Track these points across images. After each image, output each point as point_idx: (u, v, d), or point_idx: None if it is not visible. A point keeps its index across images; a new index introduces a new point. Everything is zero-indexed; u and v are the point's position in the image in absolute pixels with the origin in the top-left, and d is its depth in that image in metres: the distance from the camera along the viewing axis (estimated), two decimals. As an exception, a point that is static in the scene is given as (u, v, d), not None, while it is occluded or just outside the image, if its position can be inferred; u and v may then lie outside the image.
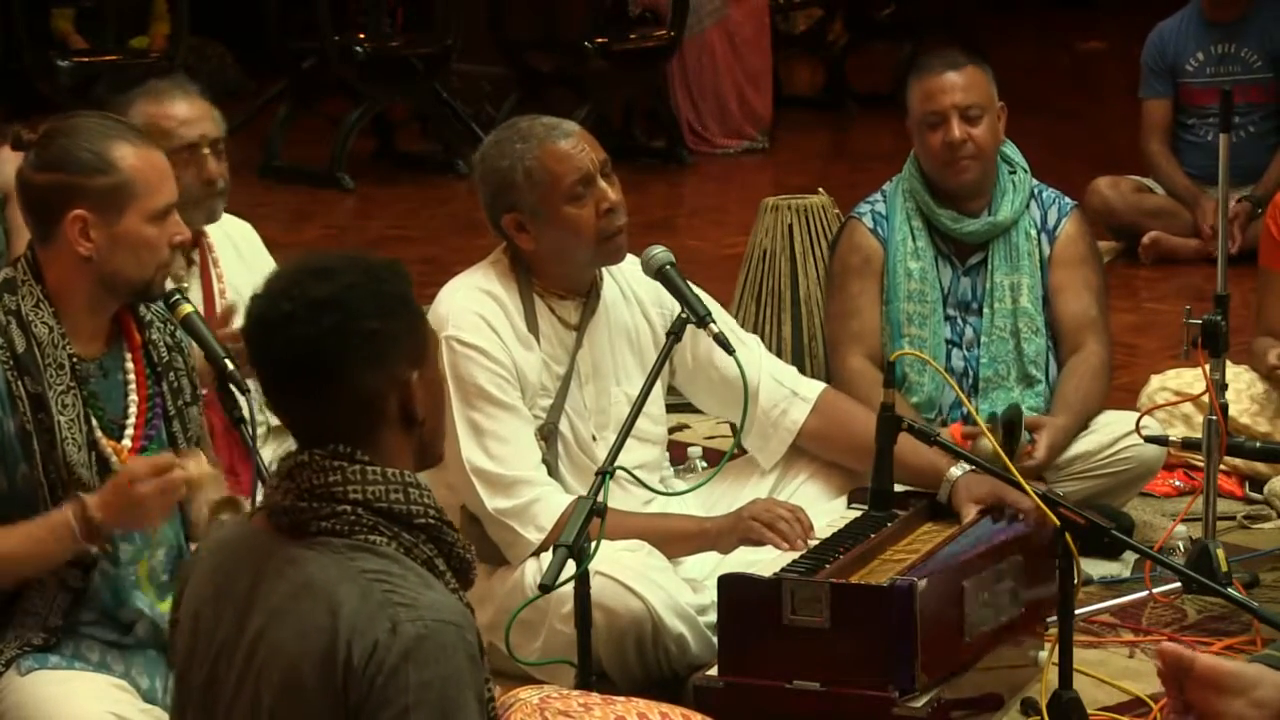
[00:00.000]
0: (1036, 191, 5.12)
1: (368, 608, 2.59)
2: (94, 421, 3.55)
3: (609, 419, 4.36)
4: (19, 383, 3.48)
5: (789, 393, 4.49)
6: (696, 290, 4.20)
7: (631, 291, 4.44)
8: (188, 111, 4.55)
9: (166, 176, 3.59)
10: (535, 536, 4.18)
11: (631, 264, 4.45)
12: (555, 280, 4.32)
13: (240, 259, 4.71)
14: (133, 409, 3.61)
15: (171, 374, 3.68)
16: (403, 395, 2.72)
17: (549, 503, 4.18)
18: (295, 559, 2.67)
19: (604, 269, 4.39)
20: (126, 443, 3.59)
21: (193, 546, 3.60)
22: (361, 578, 2.62)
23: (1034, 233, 5.06)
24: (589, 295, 4.36)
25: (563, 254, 4.27)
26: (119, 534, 3.54)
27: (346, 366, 2.68)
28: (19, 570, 3.50)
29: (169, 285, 3.75)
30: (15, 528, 3.47)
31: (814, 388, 4.55)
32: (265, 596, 2.67)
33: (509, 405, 4.20)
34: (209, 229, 4.65)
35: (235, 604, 2.70)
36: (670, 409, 5.26)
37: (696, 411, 5.27)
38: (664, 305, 4.44)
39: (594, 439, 4.33)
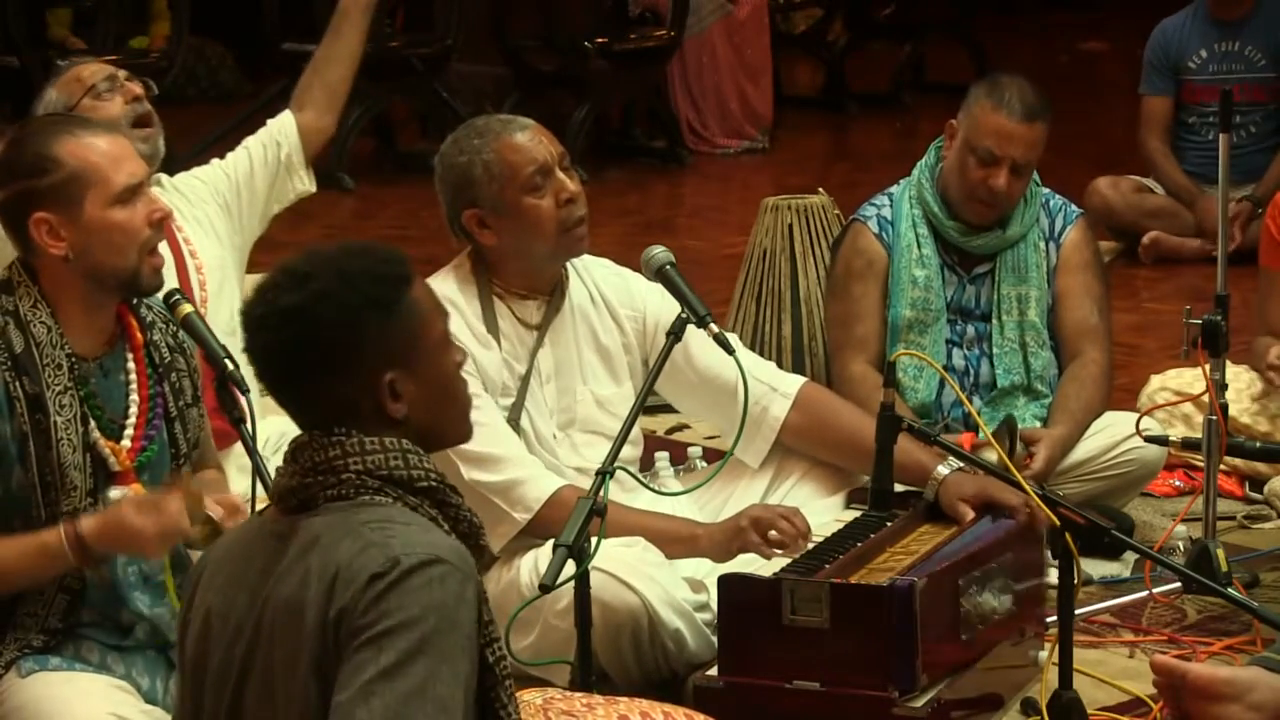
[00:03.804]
0: (1045, 200, 5.11)
1: (368, 550, 2.63)
2: (92, 422, 3.54)
3: (573, 417, 4.37)
4: (17, 384, 3.47)
5: (768, 389, 4.48)
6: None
7: (600, 294, 4.45)
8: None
9: (120, 158, 3.55)
10: (522, 516, 4.17)
11: (600, 265, 4.48)
12: (517, 279, 4.33)
13: (190, 205, 4.77)
14: (133, 409, 3.60)
15: (173, 374, 3.67)
16: (375, 398, 2.74)
17: (537, 484, 4.18)
18: (303, 527, 2.71)
19: (573, 271, 4.40)
20: (126, 443, 3.58)
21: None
22: (363, 528, 2.66)
23: (1042, 244, 5.05)
24: (552, 295, 4.37)
25: (524, 248, 4.27)
26: (131, 581, 3.54)
27: (309, 374, 2.73)
28: (9, 583, 3.49)
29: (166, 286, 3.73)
30: (8, 541, 3.46)
31: (794, 382, 4.53)
32: (276, 568, 2.70)
33: (475, 394, 4.19)
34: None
35: (248, 588, 2.73)
36: (670, 409, 5.26)
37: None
38: (634, 308, 4.45)
39: (555, 437, 4.34)
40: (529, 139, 4.28)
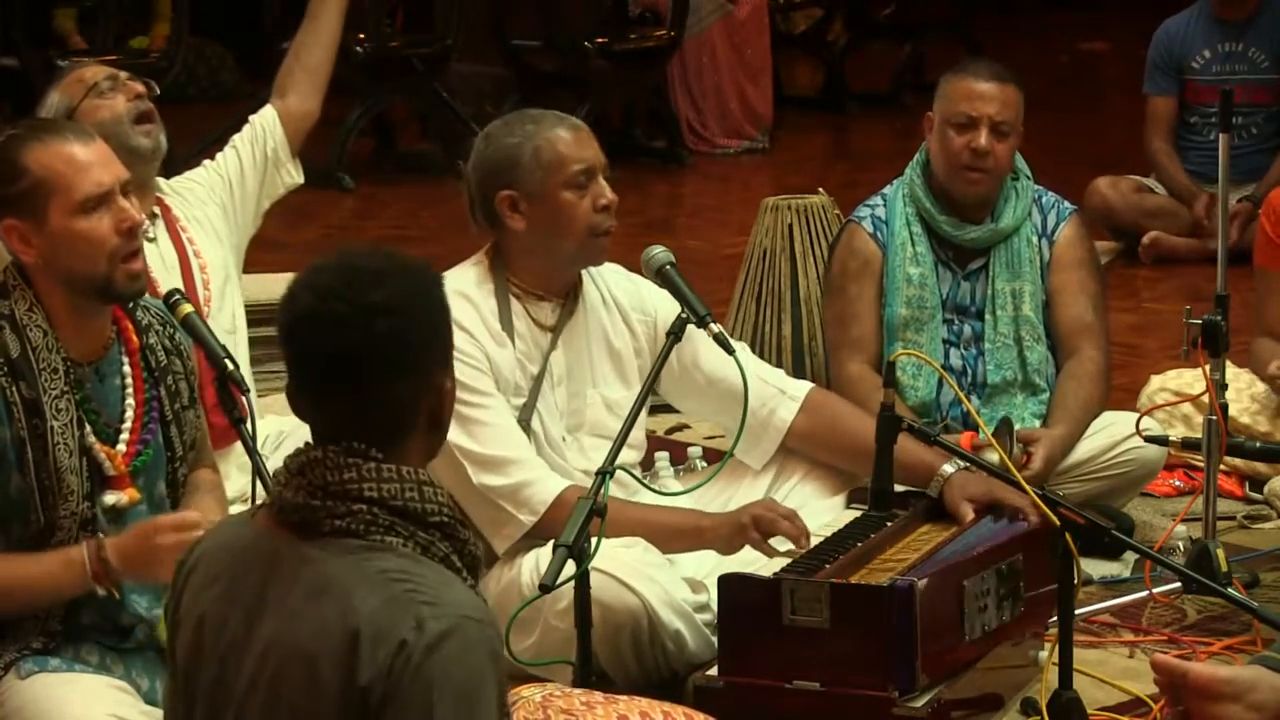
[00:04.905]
0: (1037, 196, 5.11)
1: (391, 608, 2.55)
2: (87, 426, 3.53)
3: (582, 420, 4.38)
4: (14, 388, 3.47)
5: (776, 391, 4.49)
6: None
7: (612, 298, 4.45)
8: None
9: (89, 165, 3.51)
10: (528, 519, 4.18)
11: (613, 270, 4.49)
12: (534, 277, 4.33)
13: (191, 207, 4.79)
14: (129, 413, 3.59)
15: (169, 377, 3.66)
16: (434, 401, 2.70)
17: (544, 486, 4.18)
18: (309, 559, 2.62)
19: (586, 275, 4.40)
20: (121, 447, 3.57)
21: None
22: (381, 578, 2.58)
23: (1035, 239, 5.06)
24: (567, 298, 4.38)
25: (549, 243, 4.28)
26: (129, 584, 3.54)
27: (391, 373, 2.65)
28: (27, 599, 3.50)
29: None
30: (30, 558, 3.47)
31: (801, 387, 4.55)
32: (278, 598, 2.63)
33: (488, 393, 4.22)
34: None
35: (243, 606, 2.66)
36: (670, 409, 5.26)
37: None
38: (645, 312, 4.46)
39: (564, 439, 4.34)
40: (581, 139, 4.31)
